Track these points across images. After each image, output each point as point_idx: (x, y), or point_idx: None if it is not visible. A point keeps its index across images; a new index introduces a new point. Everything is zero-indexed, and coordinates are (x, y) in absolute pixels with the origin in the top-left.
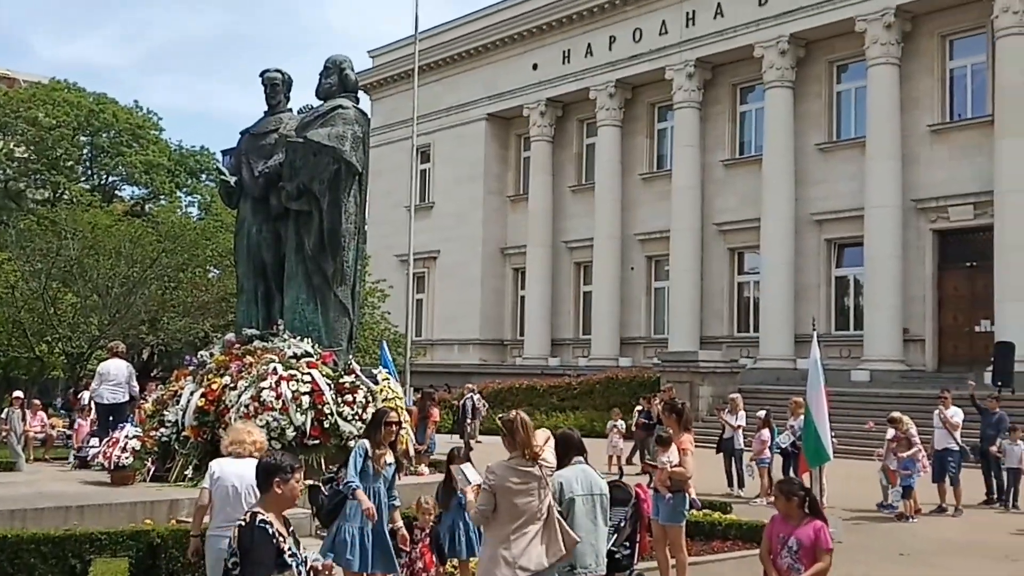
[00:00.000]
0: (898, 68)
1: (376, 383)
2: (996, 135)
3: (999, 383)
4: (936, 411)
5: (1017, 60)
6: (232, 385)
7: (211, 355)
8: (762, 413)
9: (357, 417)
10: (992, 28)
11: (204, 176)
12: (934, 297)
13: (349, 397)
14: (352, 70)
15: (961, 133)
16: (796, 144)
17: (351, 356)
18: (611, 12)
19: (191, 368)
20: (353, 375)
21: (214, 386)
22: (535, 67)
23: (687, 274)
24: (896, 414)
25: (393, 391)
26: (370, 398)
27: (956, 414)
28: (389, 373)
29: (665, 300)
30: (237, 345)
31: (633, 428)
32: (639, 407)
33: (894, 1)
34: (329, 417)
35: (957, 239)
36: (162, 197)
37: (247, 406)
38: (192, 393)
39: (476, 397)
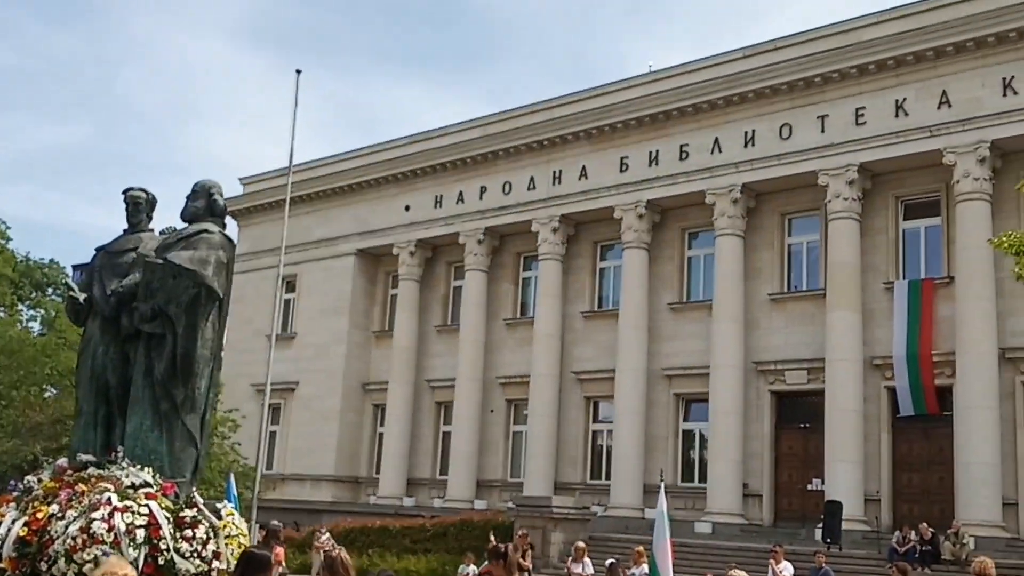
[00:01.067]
0: (743, 240)
1: (220, 518)
2: (828, 307)
3: (828, 540)
4: (769, 565)
5: (846, 241)
6: (60, 515)
7: (39, 481)
8: (609, 562)
9: (196, 554)
10: (825, 211)
11: (51, 290)
12: (771, 455)
13: (189, 532)
14: (221, 195)
15: (797, 303)
16: (650, 302)
17: (195, 488)
18: (483, 164)
19: (15, 494)
20: (195, 509)
21: (39, 515)
22: (407, 208)
23: (545, 419)
24: (734, 571)
25: (237, 527)
26: (212, 534)
27: (786, 568)
28: (234, 508)
29: (523, 444)
30: (70, 471)
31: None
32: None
33: (740, 179)
34: (165, 553)
35: (793, 401)
36: (1, 309)
37: (75, 538)
38: (14, 521)
39: (325, 538)
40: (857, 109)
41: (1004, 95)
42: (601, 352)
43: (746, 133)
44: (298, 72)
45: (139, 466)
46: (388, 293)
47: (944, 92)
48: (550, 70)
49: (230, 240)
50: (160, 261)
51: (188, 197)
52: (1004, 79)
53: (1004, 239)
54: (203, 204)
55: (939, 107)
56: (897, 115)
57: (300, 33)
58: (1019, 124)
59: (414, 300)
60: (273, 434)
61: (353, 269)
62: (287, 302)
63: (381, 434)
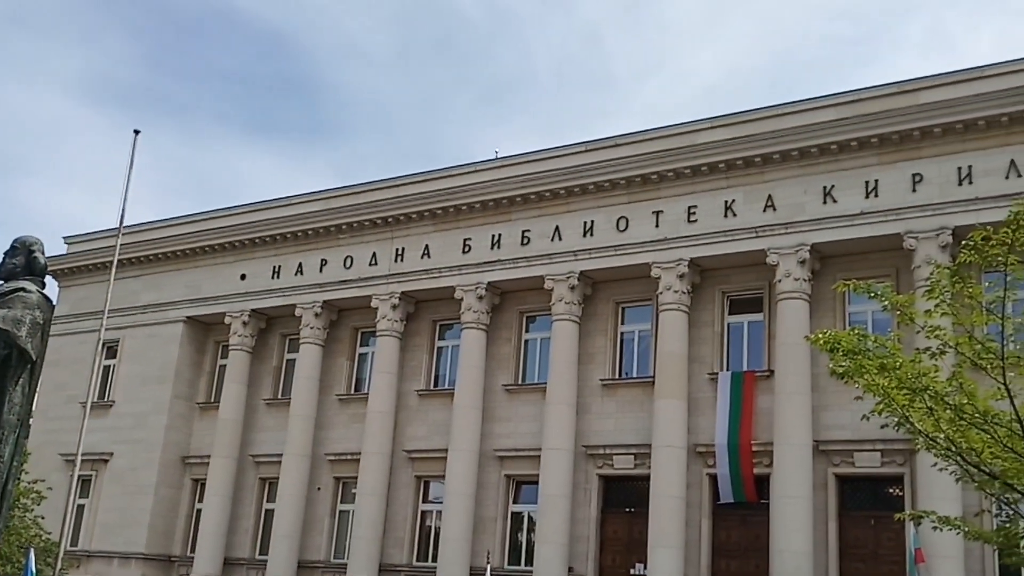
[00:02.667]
0: (578, 325)
1: None
2: (656, 395)
3: None
4: None
5: (675, 332)
6: None
7: None
8: None
9: None
10: (657, 302)
11: None
12: (597, 538)
13: None
14: (42, 253)
15: (628, 390)
16: (486, 383)
17: None
18: (325, 237)
19: None
20: None
21: None
22: (243, 277)
23: (373, 498)
24: None
25: None
26: None
27: None
28: None
29: (348, 524)
30: None
31: None
32: None
33: (578, 267)
34: None
35: (619, 485)
36: None
37: None
38: None
39: None
40: (689, 207)
41: (824, 202)
42: (434, 431)
43: (585, 223)
44: (136, 132)
45: None
46: (217, 363)
47: (770, 196)
48: (399, 149)
49: (48, 300)
50: None
51: (6, 253)
52: (825, 187)
53: (820, 336)
54: (22, 261)
55: (765, 210)
56: (726, 215)
57: (142, 94)
58: (837, 230)
59: (244, 371)
60: (81, 507)
61: (181, 337)
62: (106, 368)
63: (199, 510)
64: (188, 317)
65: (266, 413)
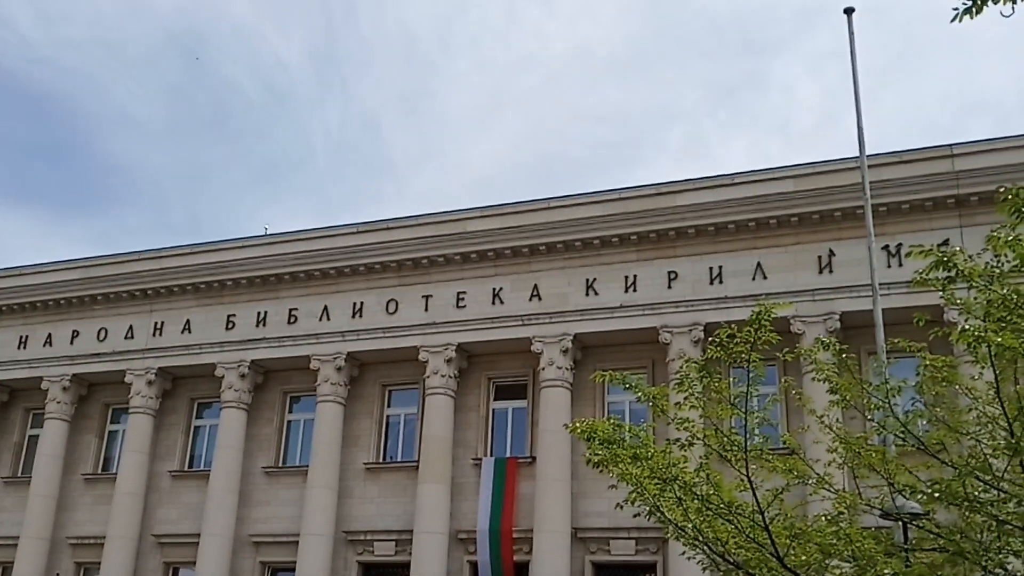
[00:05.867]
0: (343, 407)
1: None
2: (420, 479)
3: None
4: None
5: (441, 416)
6: None
7: None
8: None
9: None
10: (424, 385)
11: None
12: None
13: None
14: None
15: (391, 474)
16: (245, 464)
17: None
18: (78, 307)
19: None
20: None
21: None
22: None
23: None
24: None
25: None
26: None
27: None
28: None
29: None
30: None
31: None
32: None
33: (346, 348)
34: None
35: (380, 573)
36: None
37: None
38: None
39: None
40: (459, 292)
41: (587, 294)
42: (187, 514)
43: (355, 304)
44: None
45: None
46: None
47: (536, 286)
48: (166, 223)
49: None
50: None
51: None
52: (588, 280)
53: (578, 425)
54: None
55: (531, 299)
56: (494, 302)
57: None
58: (598, 321)
59: None
60: None
61: None
62: None
63: None
64: None
65: (3, 492)
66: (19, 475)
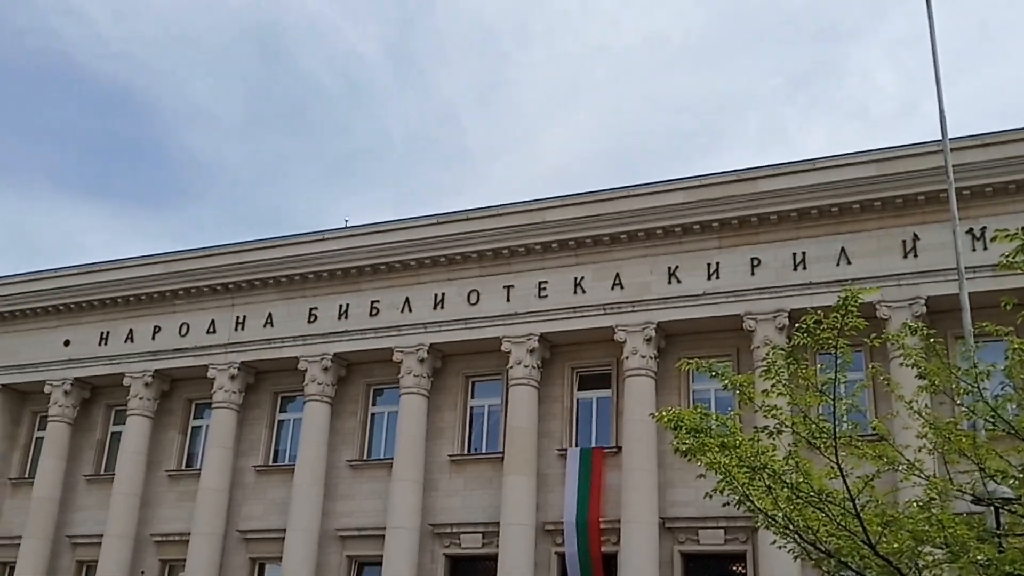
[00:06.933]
0: (427, 399)
1: None
2: (505, 471)
3: None
4: None
5: (525, 407)
6: None
7: None
8: None
9: None
10: (507, 376)
11: None
12: None
13: None
14: None
15: (476, 465)
16: (330, 458)
17: None
18: (159, 302)
19: None
20: None
21: None
22: (67, 343)
23: None
24: None
25: None
26: None
27: None
28: None
29: None
30: None
31: None
32: None
33: (428, 339)
34: None
35: (467, 565)
36: None
37: None
38: None
39: None
40: (540, 282)
41: (669, 282)
42: (272, 510)
43: (436, 295)
44: None
45: None
46: (33, 435)
47: (617, 275)
48: (244, 218)
49: None
50: None
51: None
52: (670, 268)
53: (664, 414)
54: None
55: (612, 288)
56: (576, 291)
57: None
58: (681, 309)
59: (63, 445)
60: None
61: None
62: None
63: None
64: (3, 385)
65: (86, 490)
66: (102, 473)
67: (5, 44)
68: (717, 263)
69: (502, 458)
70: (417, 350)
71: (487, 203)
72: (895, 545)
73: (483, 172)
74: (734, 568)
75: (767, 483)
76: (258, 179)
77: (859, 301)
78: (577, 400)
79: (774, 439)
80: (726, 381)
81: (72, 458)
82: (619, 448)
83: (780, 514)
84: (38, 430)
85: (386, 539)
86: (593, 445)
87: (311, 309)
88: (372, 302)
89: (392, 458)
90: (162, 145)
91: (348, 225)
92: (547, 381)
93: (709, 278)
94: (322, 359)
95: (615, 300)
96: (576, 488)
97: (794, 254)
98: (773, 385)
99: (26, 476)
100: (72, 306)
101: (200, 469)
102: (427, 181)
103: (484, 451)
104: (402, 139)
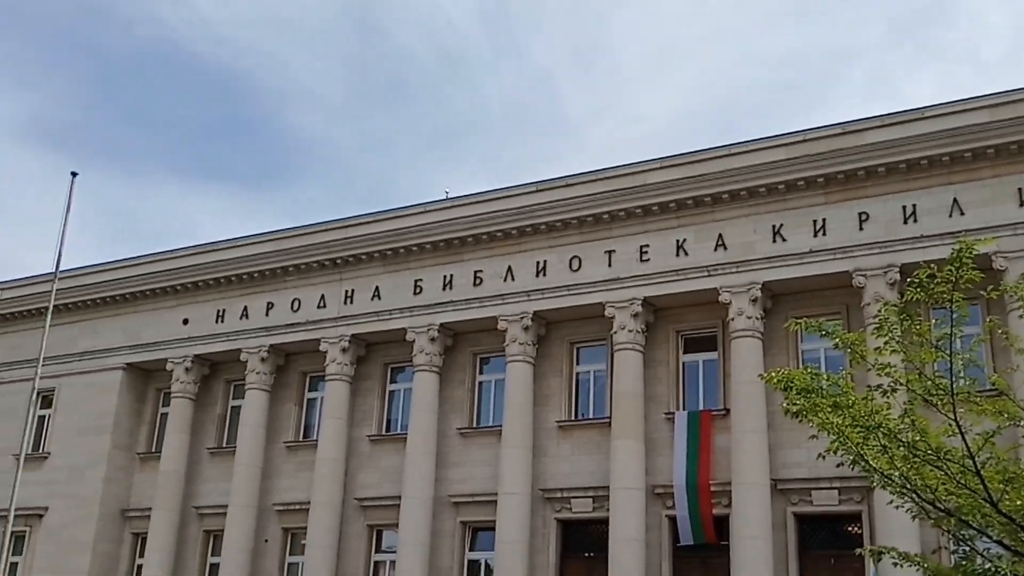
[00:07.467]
0: (532, 366)
1: None
2: (612, 435)
3: None
4: None
5: (630, 372)
6: None
7: None
8: None
9: None
10: (611, 342)
11: None
12: None
13: None
14: None
15: (584, 431)
16: (440, 426)
17: None
18: (271, 279)
19: None
20: None
21: None
22: (185, 322)
23: (324, 550)
24: None
25: None
26: None
27: None
28: None
29: None
30: None
31: None
32: None
33: (532, 307)
34: None
35: (578, 529)
36: None
37: None
38: None
39: None
40: (642, 246)
41: (774, 241)
42: (386, 478)
43: (538, 263)
44: (74, 175)
45: None
46: (158, 411)
47: (720, 235)
48: (349, 194)
49: None
50: None
51: None
52: (774, 226)
53: (773, 375)
54: None
55: (716, 249)
56: (678, 254)
57: (81, 137)
58: (787, 268)
59: (186, 420)
60: (15, 566)
61: (120, 385)
62: (41, 418)
63: (139, 566)
64: (128, 364)
65: (210, 463)
66: (223, 446)
67: (116, 35)
68: (823, 219)
69: (609, 423)
70: (521, 318)
71: (586, 169)
72: (1018, 503)
73: (581, 138)
74: (849, 528)
75: (882, 443)
76: (361, 155)
77: (974, 253)
78: (683, 363)
79: (888, 398)
80: (837, 340)
81: (195, 432)
82: (727, 410)
83: (897, 473)
84: (162, 406)
85: (498, 504)
86: (701, 408)
87: (416, 281)
88: (475, 272)
89: (500, 425)
90: (268, 126)
91: (449, 196)
92: (652, 345)
93: (815, 235)
94: (428, 330)
95: (719, 261)
96: (685, 451)
97: (904, 207)
98: (886, 342)
99: (153, 451)
100: (189, 286)
101: (316, 440)
102: (526, 149)
103: (591, 416)
104: (499, 108)
